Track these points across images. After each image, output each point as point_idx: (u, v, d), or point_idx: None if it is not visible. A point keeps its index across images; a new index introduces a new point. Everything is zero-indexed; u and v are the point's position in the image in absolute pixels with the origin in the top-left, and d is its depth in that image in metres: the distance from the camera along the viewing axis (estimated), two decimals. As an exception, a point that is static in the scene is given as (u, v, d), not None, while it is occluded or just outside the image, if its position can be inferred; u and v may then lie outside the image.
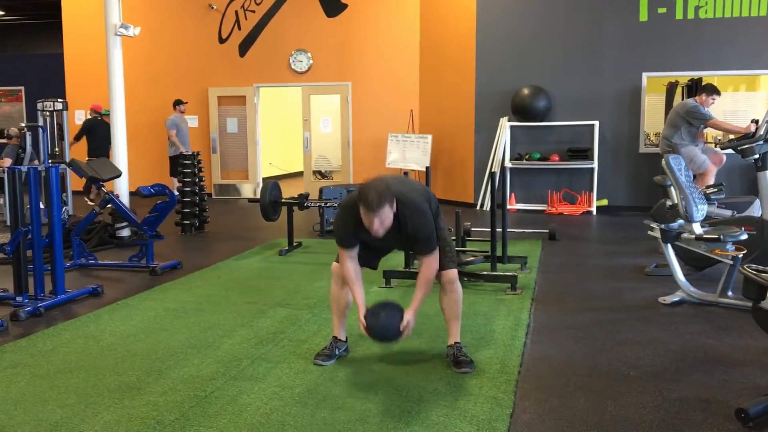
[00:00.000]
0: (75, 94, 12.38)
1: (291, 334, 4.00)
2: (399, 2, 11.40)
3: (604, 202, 9.51)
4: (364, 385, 3.22)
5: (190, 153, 8.54)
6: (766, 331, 2.87)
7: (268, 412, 2.93)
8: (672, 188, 4.90)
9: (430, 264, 3.33)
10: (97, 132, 10.41)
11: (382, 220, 3.14)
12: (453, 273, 3.44)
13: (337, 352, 3.55)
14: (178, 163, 10.29)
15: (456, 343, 3.45)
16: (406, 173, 6.05)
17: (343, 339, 3.62)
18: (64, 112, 9.99)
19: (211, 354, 3.69)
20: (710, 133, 8.79)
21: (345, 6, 11.60)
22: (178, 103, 10.97)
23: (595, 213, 9.34)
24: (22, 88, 15.23)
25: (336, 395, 3.10)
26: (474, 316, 4.31)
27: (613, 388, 3.16)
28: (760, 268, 2.88)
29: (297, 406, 2.99)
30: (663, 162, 4.81)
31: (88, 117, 10.89)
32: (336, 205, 6.93)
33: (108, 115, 8.02)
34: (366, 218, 3.15)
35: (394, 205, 3.19)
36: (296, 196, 7.03)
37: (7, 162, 8.77)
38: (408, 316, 3.29)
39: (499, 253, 5.54)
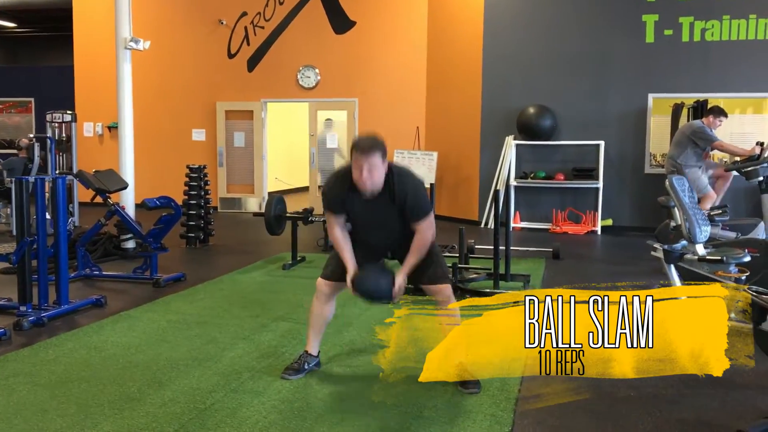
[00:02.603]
0: (84, 106, 12.47)
1: (292, 348, 4.00)
2: (406, 20, 11.48)
3: (609, 221, 9.49)
4: (364, 400, 3.22)
5: None
6: (766, 353, 2.86)
7: (268, 425, 2.94)
8: (675, 209, 4.90)
9: (424, 231, 3.28)
10: None
11: (371, 168, 3.09)
12: (448, 289, 3.39)
13: (306, 367, 3.54)
14: None
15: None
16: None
17: (315, 354, 3.61)
18: (73, 123, 10.09)
19: (212, 366, 3.70)
20: (716, 155, 8.79)
21: (353, 23, 11.68)
22: None
23: (599, 233, 9.33)
24: (32, 99, 15.36)
25: (335, 410, 3.11)
26: (475, 334, 4.30)
27: (613, 408, 3.15)
28: (762, 290, 2.87)
29: (296, 420, 2.99)
30: (667, 183, 4.82)
31: None
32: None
33: (116, 128, 8.09)
34: (356, 164, 3.10)
35: (386, 163, 3.17)
36: (301, 210, 7.05)
37: None
38: (399, 279, 3.27)
39: (502, 270, 5.55)
